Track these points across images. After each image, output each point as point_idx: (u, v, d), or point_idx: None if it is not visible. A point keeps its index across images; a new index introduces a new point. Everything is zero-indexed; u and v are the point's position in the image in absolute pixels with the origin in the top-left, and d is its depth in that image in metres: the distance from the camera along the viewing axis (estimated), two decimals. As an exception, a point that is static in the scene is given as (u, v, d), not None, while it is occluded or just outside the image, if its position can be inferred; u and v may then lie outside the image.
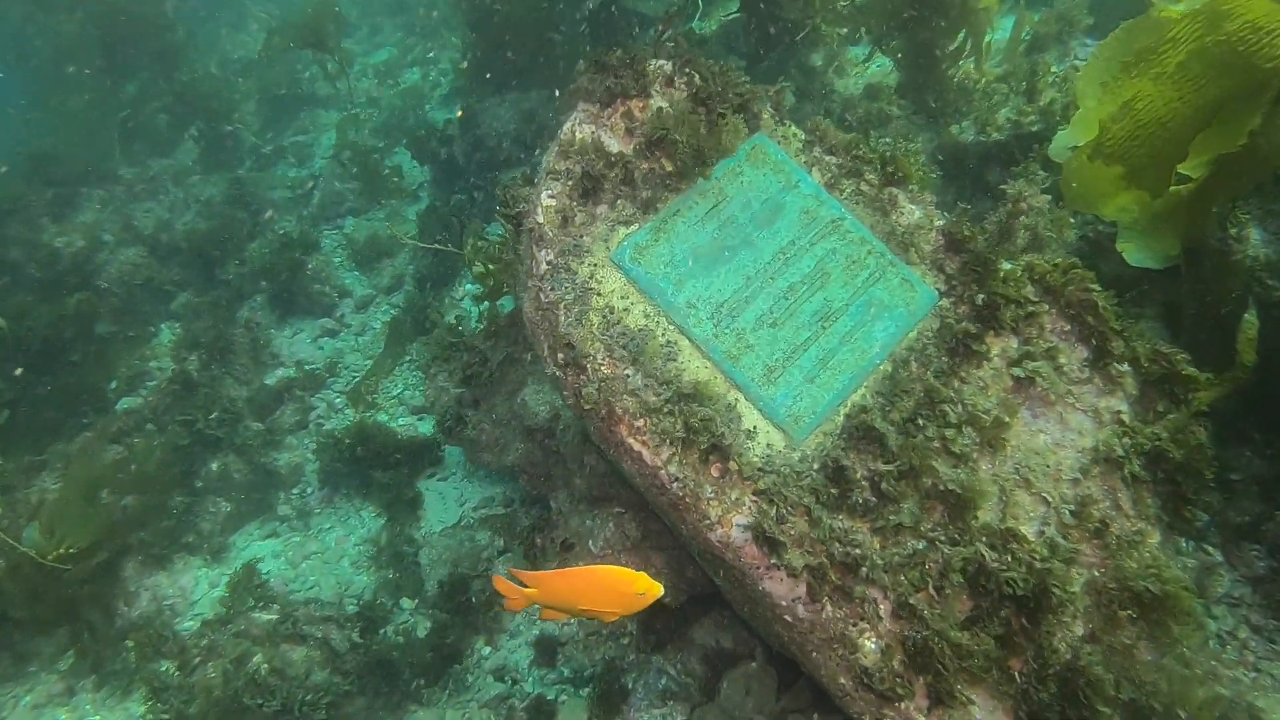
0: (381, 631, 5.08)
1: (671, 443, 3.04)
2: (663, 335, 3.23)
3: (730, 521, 2.99)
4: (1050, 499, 3.13)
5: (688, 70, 3.61)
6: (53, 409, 6.82)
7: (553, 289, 3.27)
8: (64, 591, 5.21)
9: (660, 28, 3.56)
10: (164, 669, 4.76)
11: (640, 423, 3.08)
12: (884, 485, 2.99)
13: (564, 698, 4.65)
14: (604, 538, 4.23)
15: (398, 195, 8.70)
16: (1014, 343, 3.36)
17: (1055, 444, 3.24)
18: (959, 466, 3.10)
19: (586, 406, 3.11)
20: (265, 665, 4.39)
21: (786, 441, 3.14)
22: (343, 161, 9.02)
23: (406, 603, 5.34)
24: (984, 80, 5.54)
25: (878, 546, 2.98)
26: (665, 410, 3.06)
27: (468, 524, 5.65)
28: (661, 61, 3.60)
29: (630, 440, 3.09)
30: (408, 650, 4.92)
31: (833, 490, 3.03)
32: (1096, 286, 3.43)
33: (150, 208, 8.81)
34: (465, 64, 8.55)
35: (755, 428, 3.15)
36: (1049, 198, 3.48)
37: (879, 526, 3.01)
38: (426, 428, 6.38)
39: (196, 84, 10.23)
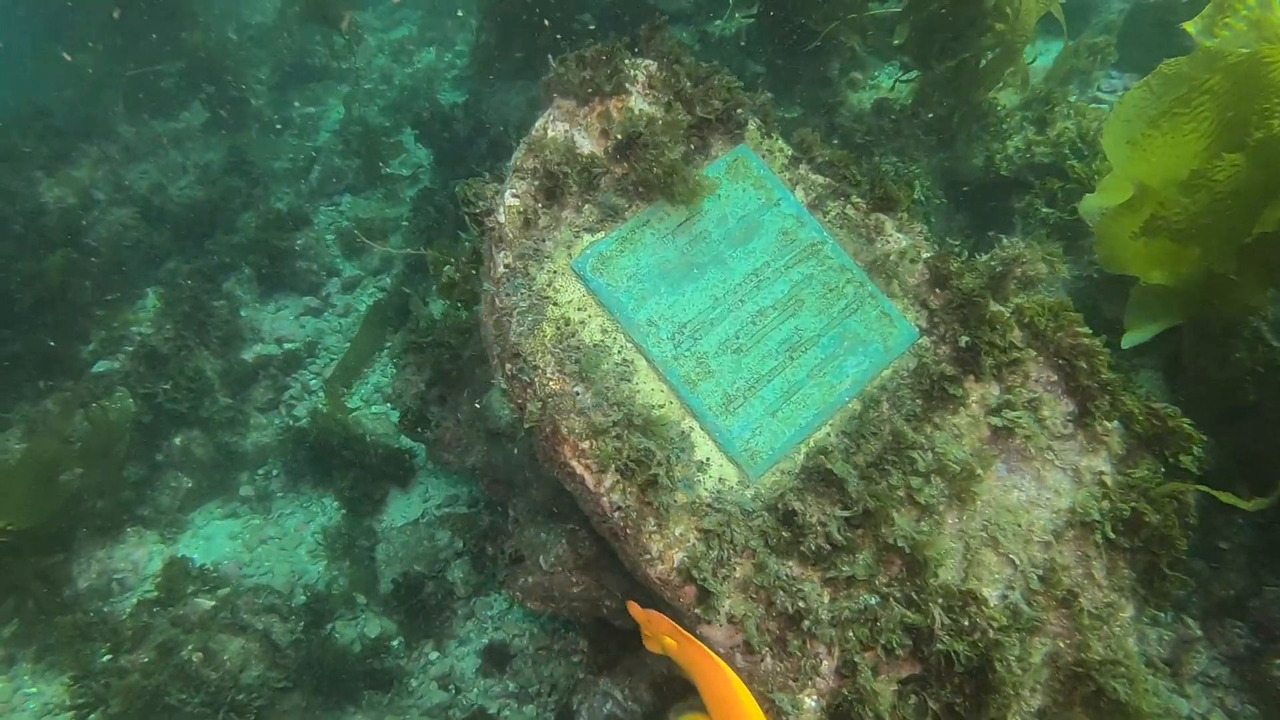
0: (328, 627, 4.91)
1: (616, 469, 2.84)
2: (619, 353, 3.02)
3: (671, 558, 2.80)
4: (1018, 561, 2.91)
5: (675, 68, 3.40)
6: (26, 367, 6.68)
7: (508, 294, 3.07)
8: (8, 562, 5.07)
9: (645, 29, 3.32)
10: (99, 652, 4.60)
11: (585, 445, 2.88)
12: (837, 533, 2.78)
13: (507, 713, 4.48)
14: (556, 554, 4.05)
15: (389, 182, 8.50)
16: (995, 390, 3.14)
17: (1029, 502, 3.02)
18: (923, 519, 2.89)
19: (529, 423, 2.91)
20: (197, 656, 4.22)
21: (740, 477, 2.94)
22: (346, 138, 8.85)
23: (358, 599, 5.17)
24: (1003, 106, 5.29)
25: (827, 599, 2.78)
26: (613, 434, 2.86)
27: (429, 521, 5.46)
28: (645, 60, 3.38)
29: (573, 463, 2.89)
30: (352, 649, 4.75)
31: (784, 534, 2.82)
32: (1087, 330, 3.19)
33: (146, 169, 8.65)
34: (476, 46, 8.37)
35: (708, 459, 2.95)
36: (1046, 268, 3.23)
37: (830, 577, 2.80)
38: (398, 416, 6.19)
39: (209, 46, 10.06)
